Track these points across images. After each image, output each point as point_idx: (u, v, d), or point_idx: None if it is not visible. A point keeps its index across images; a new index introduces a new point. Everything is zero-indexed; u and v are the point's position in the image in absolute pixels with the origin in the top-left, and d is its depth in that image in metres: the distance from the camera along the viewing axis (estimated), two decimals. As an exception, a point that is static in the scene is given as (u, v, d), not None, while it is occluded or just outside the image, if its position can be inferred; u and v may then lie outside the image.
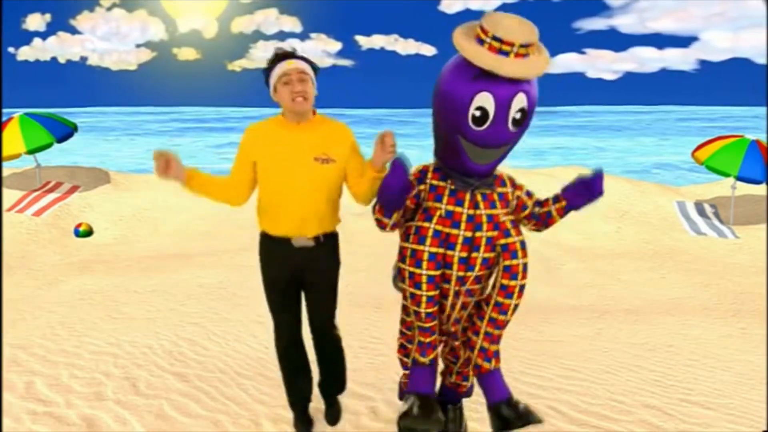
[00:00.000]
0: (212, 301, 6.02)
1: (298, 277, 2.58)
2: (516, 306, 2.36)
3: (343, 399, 3.18)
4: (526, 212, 2.42)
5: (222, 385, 3.46)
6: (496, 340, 2.40)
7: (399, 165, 2.18)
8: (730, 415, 3.28)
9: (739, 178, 11.50)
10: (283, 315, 2.65)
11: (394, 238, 2.54)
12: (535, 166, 17.92)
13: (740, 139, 12.02)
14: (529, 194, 2.44)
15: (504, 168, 2.45)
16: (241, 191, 2.55)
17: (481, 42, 2.04)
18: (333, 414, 2.96)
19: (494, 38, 2.01)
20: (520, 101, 2.06)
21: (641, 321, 6.17)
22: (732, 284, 8.24)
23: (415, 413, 2.29)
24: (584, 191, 2.32)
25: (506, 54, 2.01)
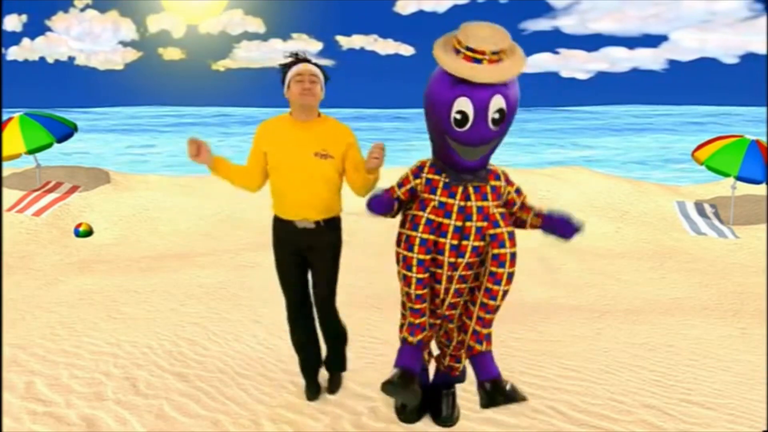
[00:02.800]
0: (212, 301, 6.02)
1: (303, 254, 2.89)
2: (505, 292, 2.53)
3: (343, 399, 3.19)
4: (514, 209, 2.61)
5: (222, 385, 3.46)
6: (488, 324, 2.59)
7: (379, 198, 2.49)
8: (730, 415, 3.29)
9: (739, 178, 11.50)
10: (290, 289, 2.95)
11: (393, 238, 2.61)
12: (535, 166, 17.93)
13: (740, 139, 12.03)
14: (518, 192, 2.61)
15: (506, 168, 2.48)
16: (255, 178, 2.87)
17: (457, 52, 2.25)
18: (333, 384, 3.27)
19: (468, 48, 2.22)
20: (497, 103, 2.25)
21: (641, 321, 6.17)
22: (732, 284, 8.24)
23: (396, 382, 2.54)
24: (558, 229, 2.56)
25: (480, 62, 2.22)
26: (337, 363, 3.25)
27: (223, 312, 5.49)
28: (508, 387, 2.54)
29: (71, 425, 2.92)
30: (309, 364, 3.18)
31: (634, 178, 16.21)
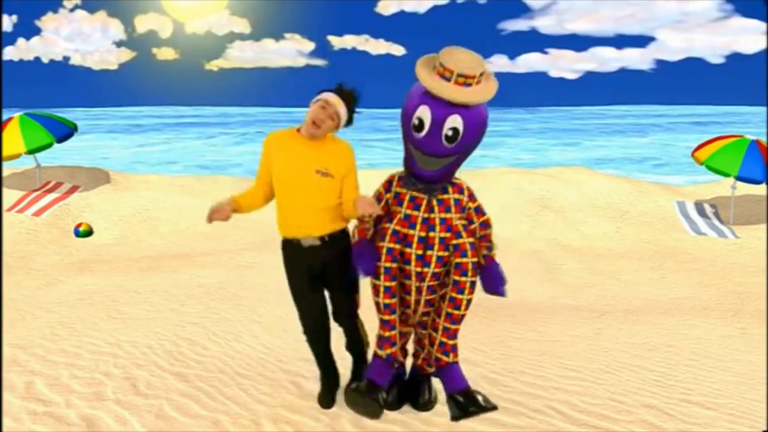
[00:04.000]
0: (212, 301, 6.02)
1: (316, 271, 2.89)
2: (469, 301, 2.66)
3: (343, 399, 3.18)
4: (471, 227, 2.72)
5: (222, 385, 3.46)
6: (454, 335, 2.72)
7: (367, 253, 2.62)
8: (730, 415, 3.29)
9: (739, 178, 11.50)
10: (303, 302, 2.94)
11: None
12: (536, 166, 17.92)
13: (740, 139, 12.02)
14: (478, 212, 2.74)
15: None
16: (267, 190, 2.89)
17: (433, 67, 2.48)
18: (356, 373, 3.17)
19: (440, 64, 2.44)
20: (453, 121, 2.44)
21: (641, 321, 6.17)
22: (732, 284, 8.24)
23: (359, 394, 2.66)
24: (486, 282, 2.68)
25: (447, 79, 2.42)
26: (356, 351, 3.20)
27: (223, 312, 5.49)
28: (477, 397, 2.64)
29: (71, 425, 2.92)
30: (329, 371, 3.15)
31: (634, 178, 16.20)
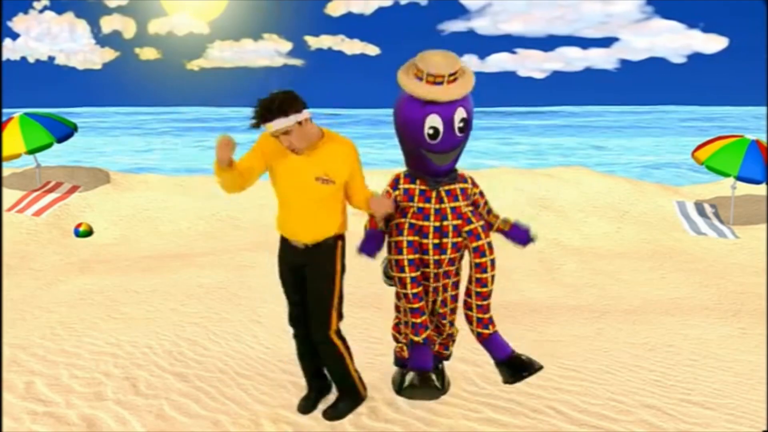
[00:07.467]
0: (212, 301, 6.02)
1: (299, 271, 2.90)
2: (493, 276, 2.85)
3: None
4: (479, 209, 2.93)
5: (222, 385, 3.46)
6: (487, 309, 2.90)
7: (372, 238, 2.81)
8: (730, 415, 3.29)
9: (739, 178, 11.49)
10: (288, 301, 2.99)
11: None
12: (535, 166, 17.92)
13: (740, 139, 12.02)
14: (482, 194, 2.97)
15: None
16: (241, 179, 2.69)
17: (420, 79, 2.64)
18: (332, 412, 3.00)
19: (428, 74, 2.61)
20: (460, 114, 2.66)
21: (641, 321, 6.17)
22: (732, 284, 8.23)
23: (416, 384, 2.77)
24: (518, 237, 2.96)
25: (440, 84, 2.61)
26: (341, 387, 3.06)
27: (223, 312, 5.49)
28: (524, 359, 2.85)
29: (71, 425, 2.92)
30: (308, 376, 3.12)
31: (634, 178, 16.20)
